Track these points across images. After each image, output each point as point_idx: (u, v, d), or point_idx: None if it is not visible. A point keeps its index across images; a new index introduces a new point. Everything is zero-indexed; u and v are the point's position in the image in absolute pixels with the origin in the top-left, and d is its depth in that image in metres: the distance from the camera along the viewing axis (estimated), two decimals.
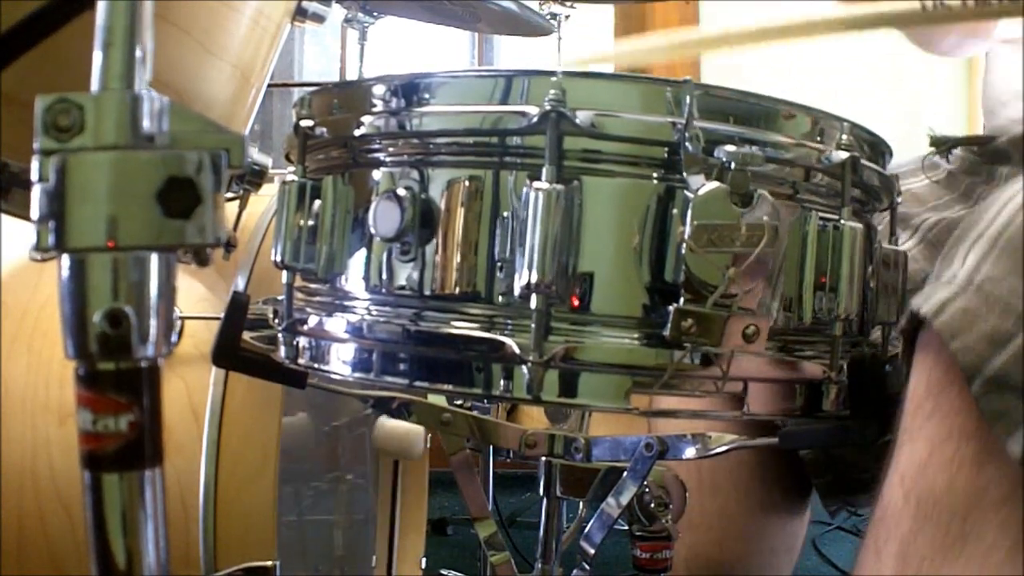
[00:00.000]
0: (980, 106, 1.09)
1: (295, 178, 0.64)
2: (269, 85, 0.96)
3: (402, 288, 0.60)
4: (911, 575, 0.59)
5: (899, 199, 0.71)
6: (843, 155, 0.60)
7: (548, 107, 0.55)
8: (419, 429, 1.33)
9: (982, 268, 0.59)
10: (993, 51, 1.06)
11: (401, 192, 0.59)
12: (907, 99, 2.60)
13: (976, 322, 0.58)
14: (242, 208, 0.98)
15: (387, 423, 1.34)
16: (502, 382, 0.58)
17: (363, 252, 0.62)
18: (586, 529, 0.76)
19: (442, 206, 0.59)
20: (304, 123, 0.65)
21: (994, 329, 0.57)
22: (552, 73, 0.56)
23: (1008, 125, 0.99)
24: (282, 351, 0.66)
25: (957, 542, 0.59)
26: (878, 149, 0.68)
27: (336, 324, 0.62)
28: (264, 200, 1.04)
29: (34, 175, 0.41)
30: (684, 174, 0.55)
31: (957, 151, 1.01)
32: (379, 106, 0.62)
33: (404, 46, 2.88)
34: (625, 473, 0.74)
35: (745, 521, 1.07)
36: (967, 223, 0.64)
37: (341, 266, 0.63)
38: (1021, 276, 0.58)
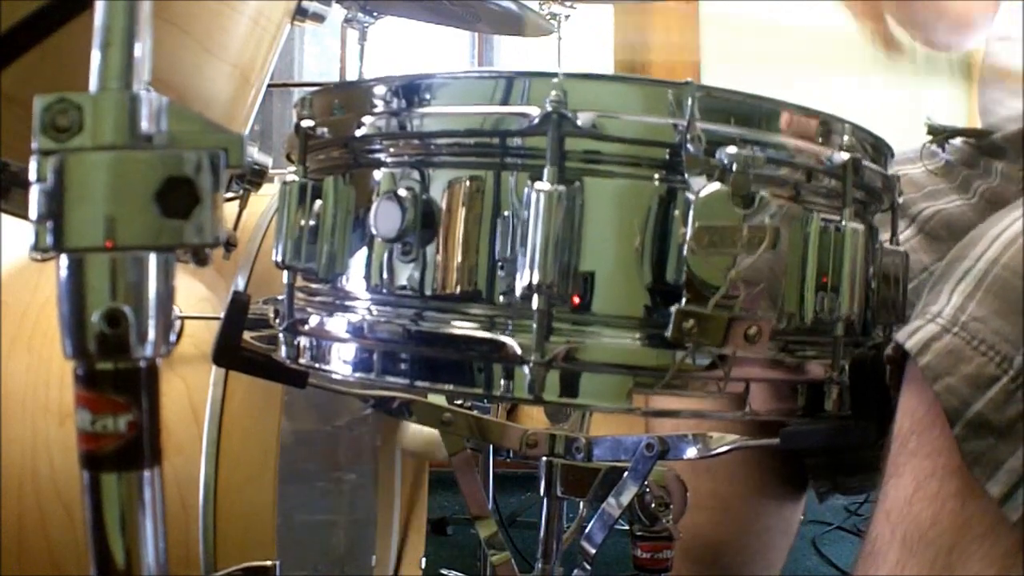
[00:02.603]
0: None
1: (296, 178, 0.64)
2: (269, 85, 0.96)
3: (403, 288, 0.60)
4: None
5: (900, 199, 0.71)
6: (845, 156, 0.60)
7: (549, 108, 0.55)
8: None
9: (968, 307, 0.60)
10: (989, 49, 1.06)
11: (402, 192, 0.59)
12: (907, 97, 2.60)
13: (960, 364, 0.59)
14: (242, 208, 0.97)
15: (413, 427, 1.34)
16: (503, 382, 0.57)
17: (364, 252, 0.62)
18: (587, 529, 0.76)
19: (443, 206, 0.59)
20: (305, 123, 0.65)
21: (977, 371, 0.58)
22: (553, 74, 0.56)
23: (1003, 123, 0.99)
24: (283, 351, 0.66)
25: (943, 574, 0.60)
26: (879, 150, 0.68)
27: (337, 324, 0.62)
28: (264, 200, 1.04)
29: (32, 175, 0.41)
30: (686, 175, 0.55)
31: (955, 142, 1.02)
32: (380, 106, 0.62)
33: (404, 46, 2.88)
34: (626, 473, 0.74)
35: (741, 502, 1.08)
36: (954, 256, 0.65)
37: (342, 266, 0.63)
38: (1006, 318, 0.58)
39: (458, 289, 0.59)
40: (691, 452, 0.77)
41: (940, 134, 1.01)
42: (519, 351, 0.55)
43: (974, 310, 0.60)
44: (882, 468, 0.65)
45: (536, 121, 0.55)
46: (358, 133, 0.62)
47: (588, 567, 0.75)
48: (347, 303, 0.64)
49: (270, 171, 0.96)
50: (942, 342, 0.60)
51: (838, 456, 1.01)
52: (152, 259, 0.42)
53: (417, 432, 1.34)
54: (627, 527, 0.78)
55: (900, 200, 0.71)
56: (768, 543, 1.12)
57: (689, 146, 0.55)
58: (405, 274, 0.60)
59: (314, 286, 0.66)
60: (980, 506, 0.59)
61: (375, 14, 1.50)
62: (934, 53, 1.13)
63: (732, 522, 1.08)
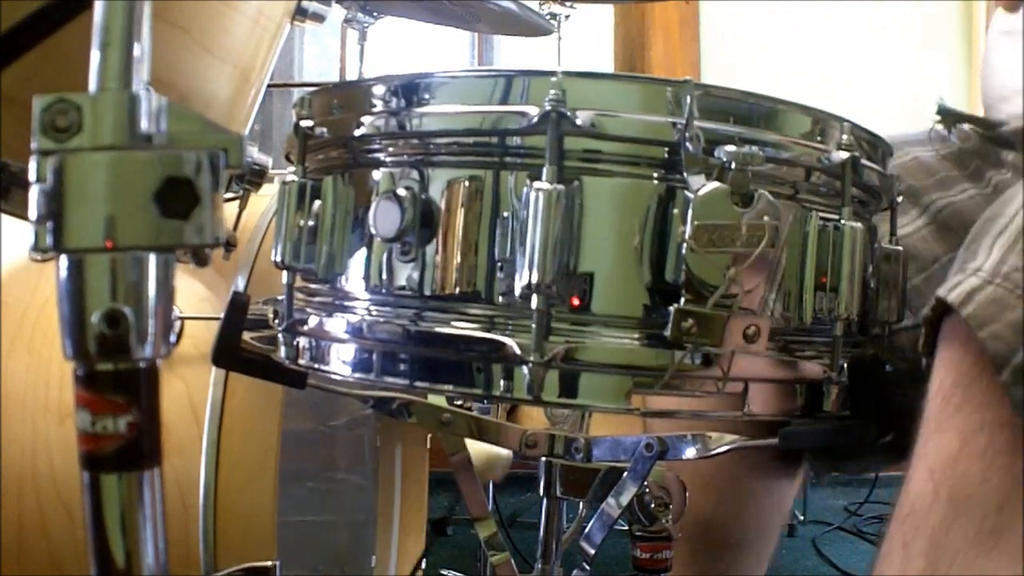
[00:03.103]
0: (980, 101, 1.09)
1: (295, 178, 0.64)
2: (269, 85, 0.96)
3: (402, 288, 0.60)
4: (944, 569, 0.58)
5: (899, 198, 0.71)
6: (843, 155, 0.60)
7: (548, 107, 0.55)
8: (505, 453, 1.31)
9: (1008, 258, 0.59)
10: (992, 44, 1.06)
11: (401, 192, 0.59)
12: (907, 98, 2.59)
13: (1004, 311, 0.58)
14: (242, 208, 0.97)
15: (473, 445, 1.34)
16: (502, 382, 0.57)
17: (363, 252, 0.62)
18: (586, 529, 0.76)
19: (442, 206, 0.59)
20: (304, 123, 0.65)
21: (1023, 318, 0.57)
22: (552, 73, 0.56)
23: (1008, 121, 0.98)
24: (282, 351, 0.66)
25: (992, 535, 0.58)
26: (878, 149, 0.68)
27: (336, 324, 0.62)
28: (264, 200, 1.04)
29: (32, 175, 0.41)
30: (684, 174, 0.55)
31: (964, 127, 1.01)
32: (379, 106, 0.62)
33: (404, 46, 2.88)
34: (625, 473, 0.74)
35: (737, 481, 1.08)
36: (989, 215, 0.64)
37: (341, 266, 0.63)
38: None
39: (457, 289, 0.59)
40: (690, 452, 0.77)
41: (949, 117, 1.00)
42: (518, 351, 0.55)
43: (1015, 261, 0.59)
44: (917, 430, 0.63)
45: (535, 120, 0.55)
46: (357, 133, 0.62)
47: (588, 567, 0.75)
48: (346, 303, 0.64)
49: (270, 171, 0.96)
50: (985, 292, 0.59)
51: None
52: (152, 259, 0.42)
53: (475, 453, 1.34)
54: (627, 527, 0.78)
55: (904, 191, 0.70)
56: (763, 521, 1.12)
57: (688, 145, 0.55)
58: (404, 274, 0.60)
59: (313, 286, 0.66)
60: None
61: (375, 14, 1.50)
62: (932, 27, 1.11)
63: (728, 501, 1.08)
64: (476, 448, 1.33)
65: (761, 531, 1.12)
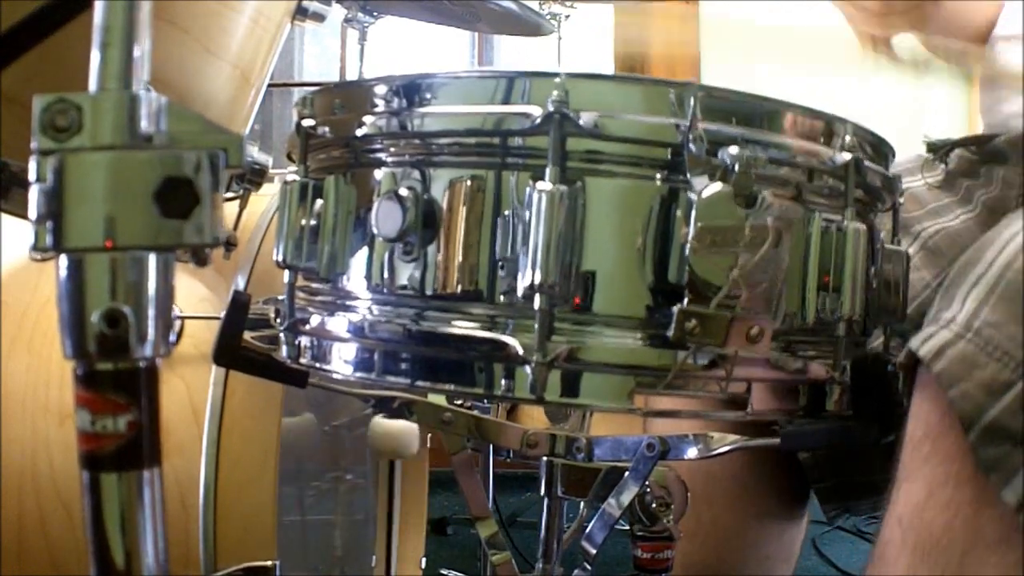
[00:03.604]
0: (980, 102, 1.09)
1: (297, 178, 0.64)
2: (269, 85, 0.96)
3: (404, 288, 0.60)
4: None
5: (901, 200, 0.71)
6: (846, 156, 0.60)
7: (551, 108, 0.54)
8: (413, 428, 1.32)
9: (981, 313, 0.60)
10: (991, 50, 1.06)
11: (403, 192, 0.59)
12: (907, 98, 2.59)
13: (974, 370, 0.58)
14: (242, 208, 0.97)
15: (383, 423, 1.34)
16: (504, 382, 0.57)
17: (365, 252, 0.62)
18: (587, 529, 0.76)
19: (444, 206, 0.59)
20: (306, 123, 0.65)
21: (992, 377, 0.58)
22: (555, 74, 0.56)
23: (1007, 125, 0.98)
24: (284, 351, 0.66)
25: None
26: (881, 150, 0.68)
27: (338, 324, 0.62)
28: (264, 200, 1.04)
29: (32, 175, 0.41)
30: (688, 175, 0.55)
31: (953, 155, 1.01)
32: (381, 106, 0.62)
33: (404, 46, 2.88)
34: (626, 473, 0.74)
35: (742, 530, 1.07)
36: (966, 260, 0.65)
37: (343, 266, 0.63)
38: (1020, 323, 0.58)
39: (459, 289, 0.59)
40: (692, 452, 0.77)
41: (940, 150, 1.00)
42: (520, 351, 0.55)
43: (988, 315, 0.59)
44: (893, 473, 0.65)
45: (538, 121, 0.55)
46: (359, 132, 0.62)
47: (588, 567, 0.75)
48: (348, 303, 0.63)
49: (270, 171, 0.96)
50: (956, 348, 0.59)
51: (848, 479, 1.00)
52: (152, 259, 0.42)
53: (387, 430, 1.33)
54: (627, 527, 0.78)
55: (901, 202, 0.70)
56: (770, 569, 1.11)
57: (691, 146, 0.55)
58: (406, 274, 0.60)
59: (315, 286, 0.66)
60: (994, 514, 0.59)
61: (375, 14, 1.50)
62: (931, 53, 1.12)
63: (733, 550, 1.08)
64: (387, 426, 1.33)
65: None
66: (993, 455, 0.58)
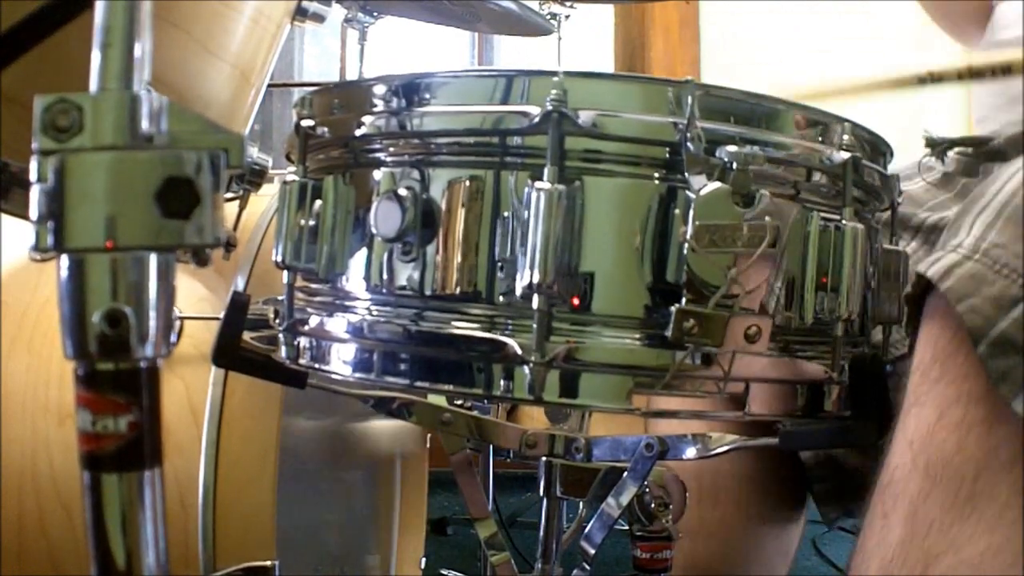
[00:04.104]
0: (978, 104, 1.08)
1: (296, 178, 0.64)
2: (269, 85, 0.96)
3: (403, 288, 0.60)
4: (921, 537, 0.59)
5: (899, 199, 0.71)
6: (844, 155, 0.60)
7: (550, 107, 0.54)
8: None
9: (988, 235, 0.60)
10: (987, 49, 1.06)
11: (402, 192, 0.59)
12: (907, 98, 2.60)
13: (982, 286, 0.58)
14: (242, 208, 0.97)
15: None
16: (503, 382, 0.57)
17: (364, 252, 0.62)
18: (586, 529, 0.76)
19: (443, 206, 0.59)
20: (305, 123, 0.65)
21: (1000, 292, 0.58)
22: (553, 73, 0.56)
23: (1003, 129, 0.98)
24: (283, 351, 0.66)
25: (968, 503, 0.59)
26: (879, 149, 0.68)
27: (337, 324, 0.62)
28: (264, 200, 1.04)
29: (33, 175, 0.41)
30: (686, 174, 0.55)
31: (952, 154, 1.01)
32: (380, 106, 0.62)
33: (404, 46, 2.88)
34: (625, 473, 0.74)
35: (743, 530, 1.07)
36: (972, 197, 0.65)
37: (342, 266, 0.63)
38: None
39: (458, 289, 0.59)
40: (690, 452, 0.77)
41: (939, 146, 1.01)
42: (519, 351, 0.55)
43: (994, 237, 0.60)
44: (900, 402, 0.64)
45: (536, 120, 0.55)
46: (358, 133, 0.62)
47: (588, 567, 0.75)
48: (347, 303, 0.64)
49: (270, 171, 0.96)
50: (964, 267, 0.60)
51: (846, 482, 1.00)
52: (152, 259, 0.42)
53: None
54: (627, 527, 0.78)
55: (899, 201, 0.71)
56: (770, 566, 1.11)
57: (689, 145, 0.55)
58: (405, 274, 0.60)
59: (314, 286, 0.66)
60: (1007, 432, 0.58)
61: (375, 14, 1.50)
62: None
63: (735, 550, 1.08)
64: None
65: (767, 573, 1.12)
66: (1003, 367, 0.58)
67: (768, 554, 1.11)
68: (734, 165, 0.54)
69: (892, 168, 0.72)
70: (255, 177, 0.94)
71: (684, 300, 0.54)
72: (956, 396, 0.60)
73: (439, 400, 0.78)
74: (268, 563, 0.90)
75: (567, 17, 1.76)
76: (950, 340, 0.61)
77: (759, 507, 1.07)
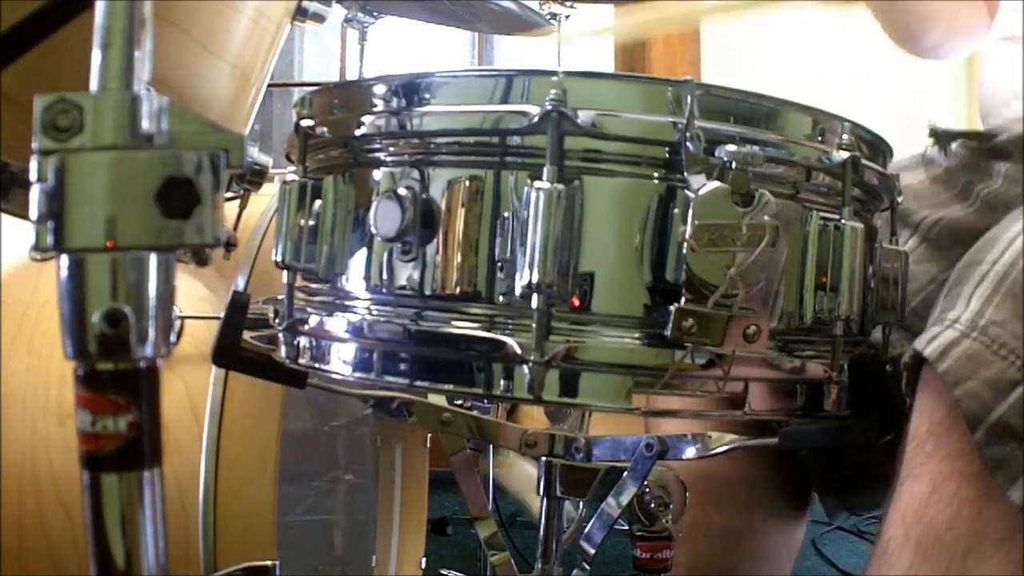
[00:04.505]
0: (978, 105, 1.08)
1: (296, 178, 0.64)
2: (269, 85, 0.96)
3: (403, 288, 0.60)
4: None
5: (899, 199, 0.71)
6: (844, 155, 0.60)
7: (549, 107, 0.55)
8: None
9: (986, 312, 0.60)
10: (990, 50, 1.06)
11: (402, 192, 0.59)
12: (907, 98, 2.60)
13: (980, 368, 0.58)
14: (242, 208, 0.98)
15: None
16: (503, 382, 0.57)
17: (364, 252, 0.62)
18: (586, 529, 0.76)
19: (443, 206, 0.59)
20: (305, 123, 0.65)
21: (999, 376, 0.58)
22: (553, 73, 0.56)
23: (1007, 125, 0.98)
24: (283, 351, 0.66)
25: None
26: (878, 149, 0.68)
27: (337, 324, 0.62)
28: (264, 200, 1.04)
29: (33, 175, 0.41)
30: (685, 174, 0.55)
31: (955, 147, 1.01)
32: (380, 106, 0.62)
33: (404, 46, 2.88)
34: (625, 473, 0.74)
35: (750, 530, 1.08)
36: (969, 260, 0.65)
37: (342, 266, 0.63)
38: None
39: (458, 289, 0.59)
40: (690, 452, 0.77)
41: (942, 137, 1.00)
42: (519, 351, 0.55)
43: (993, 314, 0.59)
44: (896, 470, 0.64)
45: (536, 120, 0.55)
46: (358, 132, 0.62)
47: (588, 567, 0.75)
48: (347, 303, 0.64)
49: (270, 171, 0.96)
50: (961, 347, 0.59)
51: (846, 474, 1.00)
52: (152, 259, 0.42)
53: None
54: (627, 527, 0.78)
55: (899, 201, 0.71)
56: (772, 566, 1.11)
57: (689, 144, 0.55)
58: (405, 274, 0.60)
59: (314, 286, 0.66)
60: (998, 511, 0.59)
61: (375, 14, 1.50)
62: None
63: (739, 549, 1.08)
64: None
65: (772, 571, 1.11)
66: (999, 454, 0.58)
67: (773, 552, 1.11)
68: (733, 165, 0.54)
69: (894, 160, 0.71)
70: (255, 177, 0.94)
71: (683, 300, 0.54)
72: (949, 472, 0.61)
73: (439, 400, 0.78)
74: (268, 563, 0.90)
75: (567, 17, 1.75)
76: (945, 416, 0.61)
77: (764, 508, 1.07)
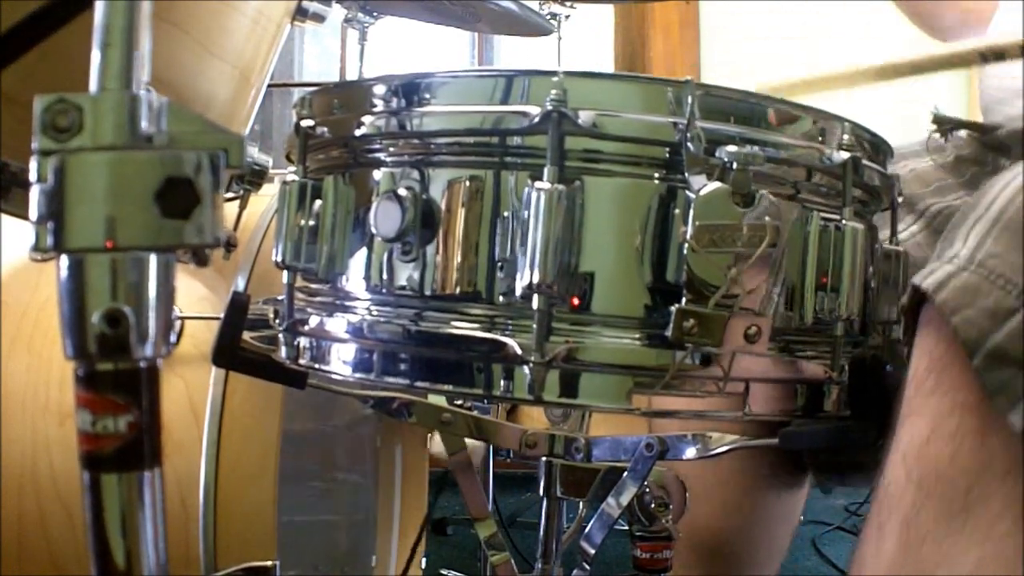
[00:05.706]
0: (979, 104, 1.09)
1: (296, 178, 0.64)
2: (269, 85, 0.96)
3: (403, 288, 0.60)
4: (915, 551, 0.59)
5: (900, 199, 0.71)
6: (844, 155, 0.60)
7: (550, 107, 0.54)
8: None
9: (983, 246, 0.59)
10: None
11: (402, 192, 0.59)
12: (906, 96, 2.59)
13: (977, 297, 0.58)
14: (242, 208, 0.98)
15: None
16: (503, 382, 0.57)
17: (364, 252, 0.62)
18: (586, 529, 0.76)
19: (443, 206, 0.59)
20: (305, 123, 0.65)
21: (996, 304, 0.57)
22: (553, 73, 0.56)
23: (1006, 123, 0.98)
24: (283, 351, 0.66)
25: (960, 515, 0.58)
26: (879, 149, 0.68)
27: (337, 324, 0.62)
28: (264, 200, 1.04)
29: (33, 175, 0.41)
30: (686, 174, 0.55)
31: (962, 135, 1.01)
32: (380, 106, 0.62)
33: (404, 46, 2.88)
34: (625, 473, 0.74)
35: (745, 493, 1.08)
36: (968, 206, 0.65)
37: (342, 266, 0.63)
38: (1022, 252, 0.58)
39: (458, 289, 0.59)
40: (690, 452, 0.77)
41: (945, 124, 1.00)
42: (519, 351, 0.55)
43: (990, 247, 0.59)
44: (896, 415, 0.64)
45: (536, 120, 0.55)
46: (358, 133, 0.62)
47: (588, 567, 0.75)
48: (347, 303, 0.64)
49: (270, 171, 0.96)
50: (959, 278, 0.59)
51: (838, 456, 1.00)
52: (152, 259, 0.42)
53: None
54: (627, 527, 0.78)
55: (902, 198, 0.70)
56: (771, 533, 1.12)
57: (689, 145, 0.55)
58: (405, 274, 0.60)
59: (314, 286, 0.66)
60: (1001, 443, 0.58)
61: (375, 14, 1.50)
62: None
63: (736, 515, 1.08)
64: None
65: (770, 540, 1.12)
66: (998, 379, 0.57)
67: (769, 517, 1.11)
68: (734, 165, 0.54)
69: (897, 145, 0.71)
70: (255, 177, 0.94)
71: (684, 300, 0.54)
72: (950, 408, 0.60)
73: (439, 400, 0.78)
74: (268, 563, 0.90)
75: (567, 17, 1.76)
76: (945, 351, 0.61)
77: (759, 471, 1.07)
